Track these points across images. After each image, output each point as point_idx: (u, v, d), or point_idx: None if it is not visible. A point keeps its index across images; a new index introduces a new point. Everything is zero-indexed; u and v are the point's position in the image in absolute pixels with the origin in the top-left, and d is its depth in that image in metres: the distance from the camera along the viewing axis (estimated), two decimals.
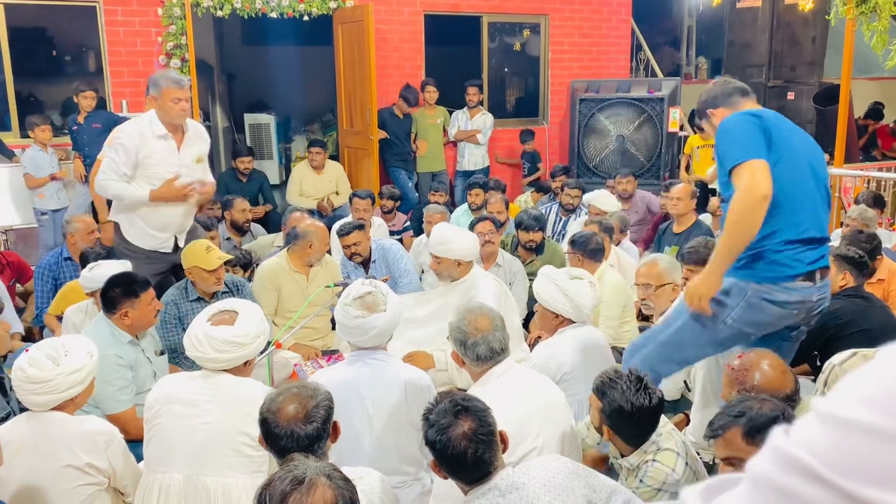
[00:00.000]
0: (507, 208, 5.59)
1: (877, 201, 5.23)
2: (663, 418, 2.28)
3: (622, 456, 2.25)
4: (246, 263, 4.78)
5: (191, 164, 3.86)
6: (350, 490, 1.55)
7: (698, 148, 7.24)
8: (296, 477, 1.51)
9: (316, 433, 1.91)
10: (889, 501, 0.33)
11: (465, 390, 2.56)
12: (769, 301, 2.48)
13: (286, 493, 1.48)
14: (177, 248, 3.98)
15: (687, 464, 2.17)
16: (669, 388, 3.20)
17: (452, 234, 3.71)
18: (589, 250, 4.04)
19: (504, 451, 1.88)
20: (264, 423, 1.94)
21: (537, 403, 2.42)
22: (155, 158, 3.75)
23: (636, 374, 2.20)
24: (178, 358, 3.51)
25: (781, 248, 2.45)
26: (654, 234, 5.53)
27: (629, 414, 2.13)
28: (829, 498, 0.34)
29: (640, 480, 2.18)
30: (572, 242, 4.12)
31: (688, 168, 7.26)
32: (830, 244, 2.62)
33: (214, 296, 3.77)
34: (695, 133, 7.59)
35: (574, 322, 3.06)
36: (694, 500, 0.42)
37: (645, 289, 3.39)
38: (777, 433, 0.40)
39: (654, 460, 2.16)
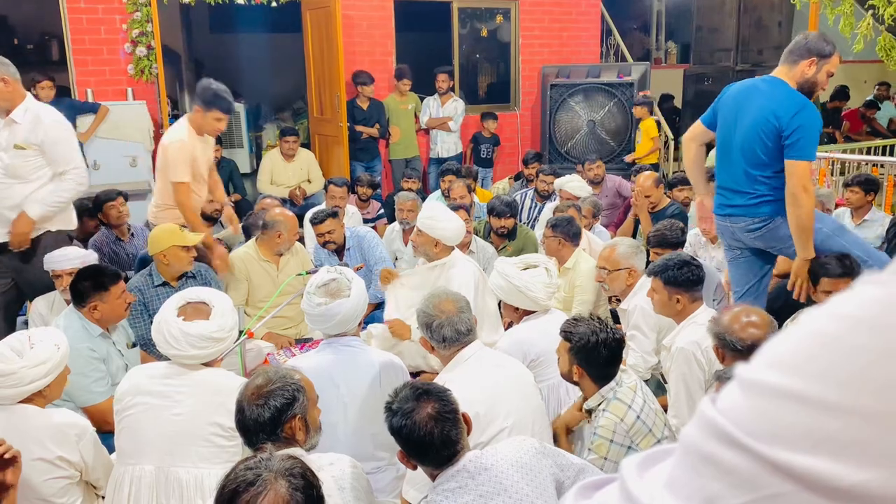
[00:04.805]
0: (470, 192, 5.59)
1: (869, 184, 5.09)
2: (632, 374, 2.46)
3: (586, 400, 2.42)
4: None
5: (9, 149, 3.70)
6: (308, 494, 1.50)
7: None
8: (251, 477, 1.47)
9: (261, 418, 1.89)
10: (798, 462, 0.33)
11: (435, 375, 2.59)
12: None
13: (237, 492, 1.46)
14: None
15: (638, 417, 2.32)
16: (640, 367, 3.25)
17: (442, 213, 3.67)
18: (571, 233, 4.08)
19: (468, 432, 1.90)
20: (238, 397, 1.96)
21: (507, 384, 2.46)
22: None
23: (597, 316, 2.48)
24: (147, 345, 3.49)
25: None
26: (625, 218, 5.58)
27: (595, 346, 2.32)
28: (746, 462, 0.34)
29: (594, 433, 2.31)
30: (553, 226, 4.12)
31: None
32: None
33: (180, 279, 3.75)
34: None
35: (536, 311, 3.10)
36: (631, 470, 0.42)
37: (600, 272, 3.47)
38: (705, 401, 0.40)
39: (605, 410, 2.32)
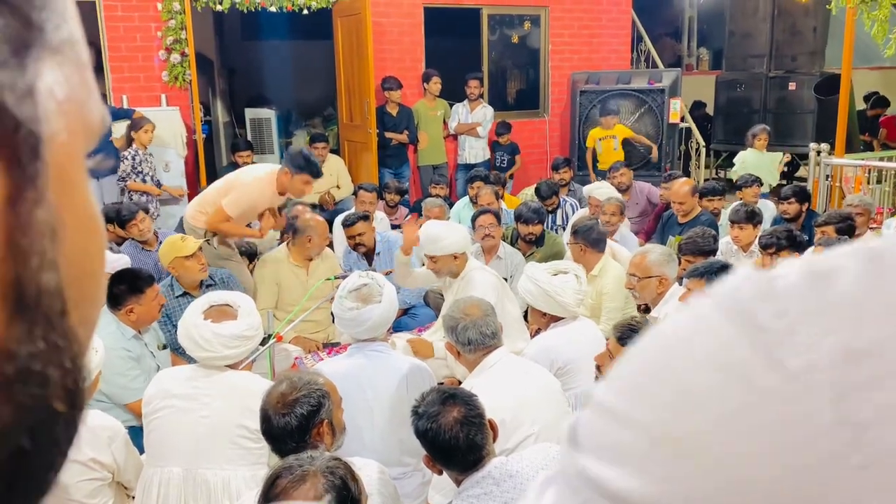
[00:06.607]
0: (498, 199, 5.58)
1: None
2: None
3: None
4: (251, 254, 4.79)
5: None
6: (342, 495, 1.52)
7: (600, 140, 7.22)
8: (295, 468, 1.54)
9: (288, 426, 1.90)
10: (593, 468, 0.34)
11: (462, 382, 2.58)
12: None
13: (279, 476, 1.54)
14: None
15: None
16: None
17: (441, 230, 3.64)
18: (591, 239, 4.03)
19: (494, 439, 1.90)
20: (262, 405, 1.98)
21: (533, 390, 2.44)
22: None
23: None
24: (174, 350, 3.53)
25: None
26: (656, 226, 5.53)
27: None
28: (573, 468, 0.36)
29: None
30: (574, 232, 4.09)
31: (594, 164, 7.23)
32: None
33: (200, 287, 3.77)
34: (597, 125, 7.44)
35: (563, 318, 3.07)
36: (536, 486, 0.44)
37: (630, 279, 3.43)
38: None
39: None
